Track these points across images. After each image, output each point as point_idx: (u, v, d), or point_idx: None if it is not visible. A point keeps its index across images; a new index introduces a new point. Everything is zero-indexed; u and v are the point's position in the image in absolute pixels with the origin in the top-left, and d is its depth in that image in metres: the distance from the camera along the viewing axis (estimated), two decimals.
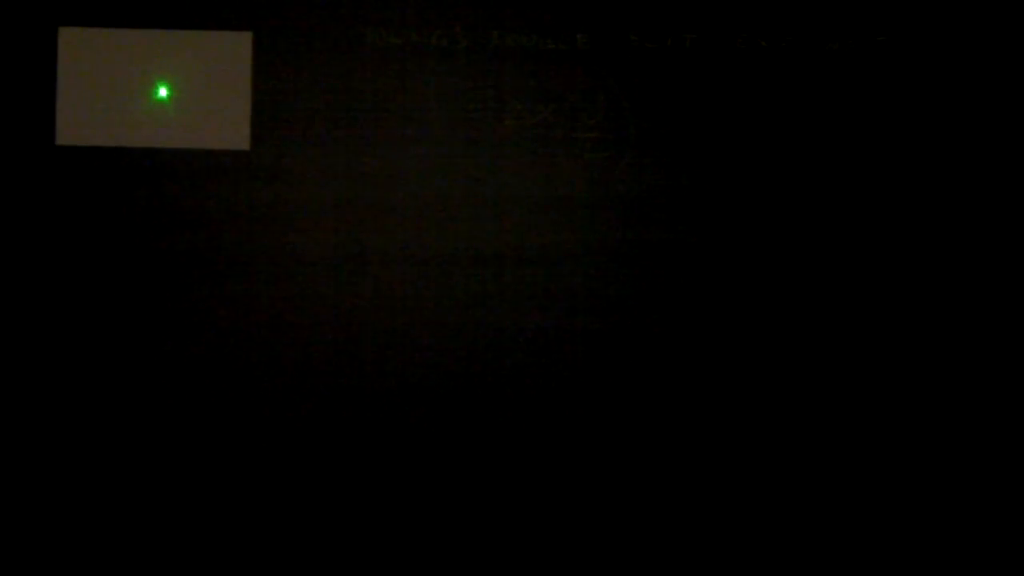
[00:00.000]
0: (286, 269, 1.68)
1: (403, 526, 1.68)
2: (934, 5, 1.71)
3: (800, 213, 1.70)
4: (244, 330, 1.67)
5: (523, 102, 1.70)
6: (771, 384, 1.70)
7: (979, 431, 1.71)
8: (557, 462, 1.69)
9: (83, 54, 1.67)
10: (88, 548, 1.66)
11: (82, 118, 1.67)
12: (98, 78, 1.67)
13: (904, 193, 1.71)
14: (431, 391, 1.68)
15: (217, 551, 1.67)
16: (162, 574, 1.66)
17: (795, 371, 1.70)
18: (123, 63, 1.67)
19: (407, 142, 1.69)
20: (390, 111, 1.69)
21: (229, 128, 1.68)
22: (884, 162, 1.71)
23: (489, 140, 1.69)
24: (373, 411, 1.68)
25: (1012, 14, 1.71)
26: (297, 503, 1.68)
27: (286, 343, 1.67)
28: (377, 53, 1.69)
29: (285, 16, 1.69)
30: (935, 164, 1.71)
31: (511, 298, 1.69)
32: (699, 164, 1.70)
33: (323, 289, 1.68)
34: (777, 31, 1.71)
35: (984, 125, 1.71)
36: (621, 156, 1.70)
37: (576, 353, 1.69)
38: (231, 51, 1.68)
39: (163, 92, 1.67)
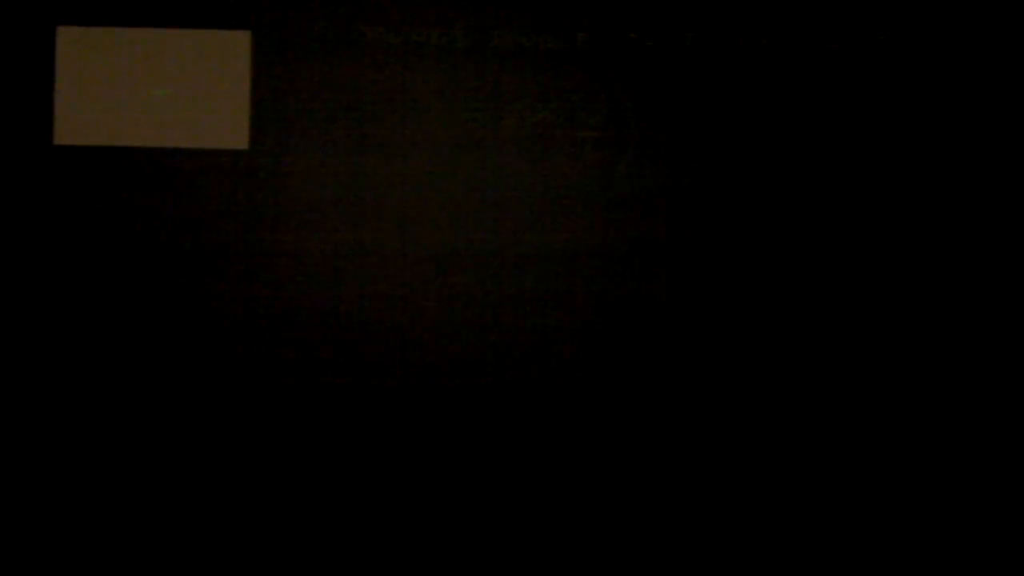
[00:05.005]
0: (286, 268, 1.67)
1: (403, 524, 1.68)
2: (934, 5, 1.71)
3: (800, 212, 1.70)
4: (244, 329, 1.67)
5: (523, 102, 1.69)
6: (771, 382, 1.70)
7: (979, 431, 1.71)
8: (557, 459, 1.69)
9: (82, 54, 1.66)
10: (88, 547, 1.66)
11: (81, 117, 1.66)
12: (97, 78, 1.66)
13: (904, 192, 1.71)
14: (431, 390, 1.68)
15: (217, 548, 1.67)
16: (162, 574, 1.66)
17: (795, 369, 1.70)
18: (122, 63, 1.67)
19: (407, 142, 1.69)
20: (390, 111, 1.69)
21: (228, 128, 1.67)
22: (884, 161, 1.71)
23: (489, 140, 1.69)
24: (373, 410, 1.68)
25: (1012, 14, 1.71)
26: (297, 501, 1.67)
27: (286, 342, 1.67)
28: (377, 53, 1.69)
29: (284, 16, 1.68)
30: (935, 163, 1.71)
31: (511, 298, 1.69)
32: (699, 164, 1.70)
33: (323, 289, 1.68)
34: (778, 30, 1.70)
35: (984, 125, 1.71)
36: (621, 156, 1.70)
37: (576, 352, 1.69)
38: (230, 50, 1.67)
39: (162, 91, 1.67)
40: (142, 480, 1.66)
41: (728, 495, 1.70)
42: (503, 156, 1.69)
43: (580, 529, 1.69)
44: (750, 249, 1.70)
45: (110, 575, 1.66)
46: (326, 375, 1.67)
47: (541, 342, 1.69)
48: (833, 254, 1.70)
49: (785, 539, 1.70)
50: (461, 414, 1.69)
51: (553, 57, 1.69)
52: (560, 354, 1.69)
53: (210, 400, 1.67)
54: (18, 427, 1.65)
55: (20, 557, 1.65)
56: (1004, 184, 1.71)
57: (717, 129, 1.70)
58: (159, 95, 1.67)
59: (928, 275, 1.71)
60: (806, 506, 1.70)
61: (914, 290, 1.71)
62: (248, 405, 1.67)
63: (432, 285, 1.68)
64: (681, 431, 1.70)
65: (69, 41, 1.66)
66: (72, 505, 1.66)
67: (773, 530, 1.70)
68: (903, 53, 1.71)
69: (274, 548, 1.67)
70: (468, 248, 1.69)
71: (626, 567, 1.69)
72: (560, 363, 1.69)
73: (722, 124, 1.70)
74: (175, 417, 1.66)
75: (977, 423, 1.71)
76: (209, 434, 1.67)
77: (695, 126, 1.70)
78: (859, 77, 1.71)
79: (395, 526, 1.68)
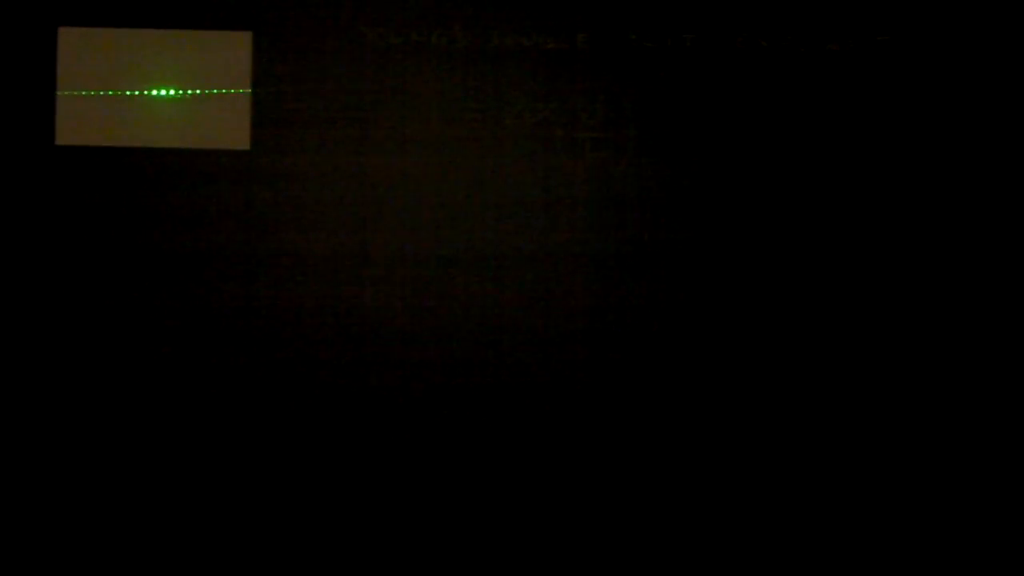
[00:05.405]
0: (286, 269, 1.68)
1: (403, 525, 1.68)
2: (935, 5, 1.71)
3: (800, 213, 1.70)
4: (244, 330, 1.67)
5: (523, 102, 1.69)
6: (770, 383, 1.70)
7: (979, 431, 1.71)
8: (557, 461, 1.69)
9: (83, 54, 1.66)
10: (88, 548, 1.66)
11: (82, 118, 1.66)
12: (98, 78, 1.67)
13: (904, 193, 1.71)
14: (431, 391, 1.68)
15: (217, 549, 1.67)
16: (162, 574, 1.66)
17: (794, 370, 1.70)
18: (123, 63, 1.67)
19: (407, 142, 1.69)
20: (390, 111, 1.69)
21: (229, 128, 1.68)
22: (884, 162, 1.71)
23: (489, 140, 1.69)
24: (373, 411, 1.68)
25: (1012, 14, 1.71)
26: (297, 502, 1.68)
27: (286, 343, 1.67)
28: (377, 53, 1.69)
29: (285, 16, 1.68)
30: (935, 164, 1.71)
31: (511, 298, 1.69)
32: (699, 164, 1.70)
33: (323, 289, 1.68)
34: (777, 31, 1.71)
35: (984, 125, 1.71)
36: (621, 156, 1.70)
37: (576, 352, 1.69)
38: (231, 51, 1.68)
39: (163, 92, 1.67)
40: (142, 481, 1.66)
41: (729, 497, 1.70)
42: (503, 156, 1.69)
43: (580, 529, 1.69)
44: (750, 250, 1.70)
45: (110, 575, 1.66)
46: (326, 375, 1.68)
47: (541, 342, 1.69)
48: (834, 255, 1.70)
49: (786, 539, 1.70)
50: (461, 414, 1.69)
51: (553, 57, 1.70)
52: (560, 354, 1.69)
53: (210, 401, 1.67)
54: (17, 427, 1.65)
55: (20, 558, 1.65)
56: (1004, 184, 1.71)
57: (717, 130, 1.70)
58: (161, 96, 1.67)
59: (929, 276, 1.71)
60: (808, 506, 1.70)
61: (916, 291, 1.71)
62: (248, 406, 1.67)
63: (432, 285, 1.69)
64: (682, 432, 1.70)
65: (70, 42, 1.67)
66: (71, 506, 1.66)
67: (773, 530, 1.70)
68: (903, 53, 1.71)
69: (274, 548, 1.67)
70: (468, 248, 1.69)
71: (627, 567, 1.69)
72: (560, 363, 1.69)
73: (722, 125, 1.71)
74: (175, 418, 1.67)
75: (977, 424, 1.71)
76: (209, 435, 1.67)
77: (695, 127, 1.70)
78: (859, 77, 1.71)
79: (395, 526, 1.68)
